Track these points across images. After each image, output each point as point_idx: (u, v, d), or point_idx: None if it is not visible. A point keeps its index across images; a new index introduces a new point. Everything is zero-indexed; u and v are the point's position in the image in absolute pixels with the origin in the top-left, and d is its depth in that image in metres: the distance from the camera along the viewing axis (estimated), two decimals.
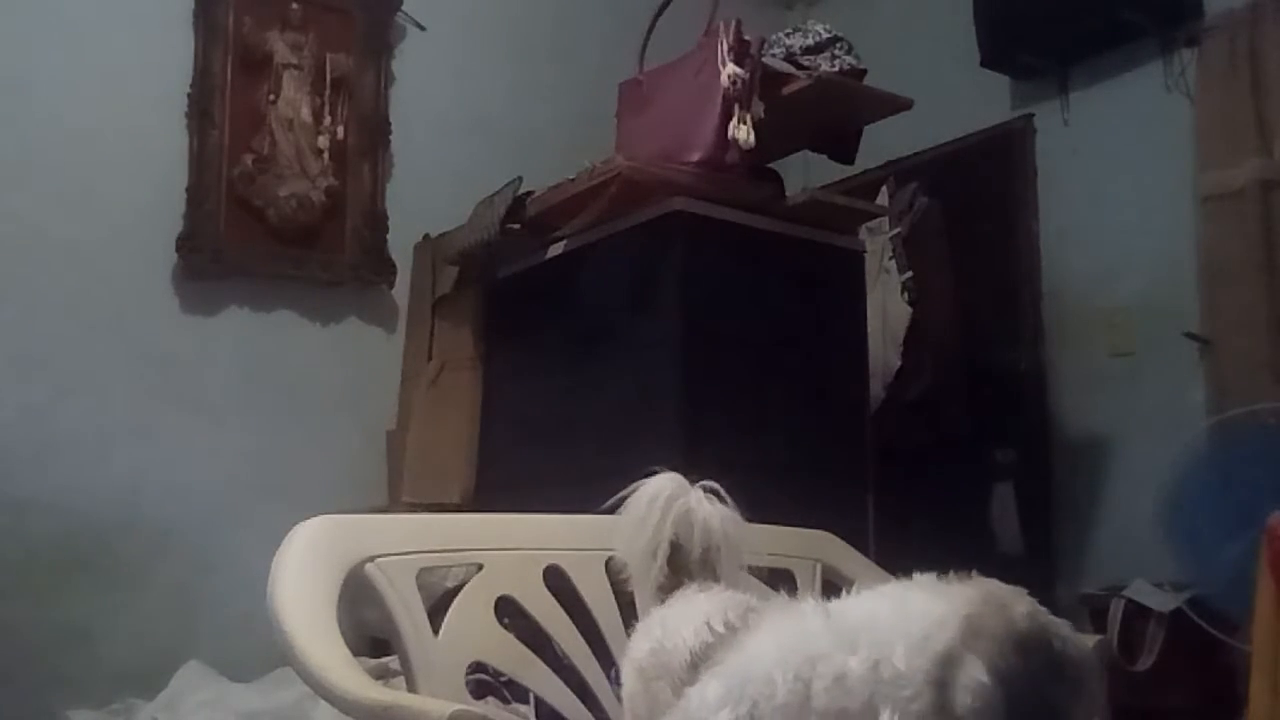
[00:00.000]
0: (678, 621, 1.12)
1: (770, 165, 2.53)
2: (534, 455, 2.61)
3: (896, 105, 2.53)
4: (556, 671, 1.39)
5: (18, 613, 2.48)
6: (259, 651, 2.10)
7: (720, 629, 1.04)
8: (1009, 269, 3.25)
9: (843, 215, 2.59)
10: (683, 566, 1.28)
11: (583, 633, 1.41)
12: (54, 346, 2.63)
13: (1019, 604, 0.85)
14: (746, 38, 2.30)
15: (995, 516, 3.01)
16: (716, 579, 1.28)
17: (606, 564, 1.43)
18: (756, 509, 1.66)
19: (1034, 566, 3.01)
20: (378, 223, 3.07)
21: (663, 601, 1.24)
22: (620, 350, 2.39)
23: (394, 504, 2.84)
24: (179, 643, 2.57)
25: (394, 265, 3.08)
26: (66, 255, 2.67)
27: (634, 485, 1.27)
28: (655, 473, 1.28)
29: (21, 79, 2.67)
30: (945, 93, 3.22)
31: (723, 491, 1.28)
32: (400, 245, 3.09)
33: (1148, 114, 2.99)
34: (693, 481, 1.31)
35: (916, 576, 0.94)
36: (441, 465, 2.82)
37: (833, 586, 1.76)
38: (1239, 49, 2.77)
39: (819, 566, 1.74)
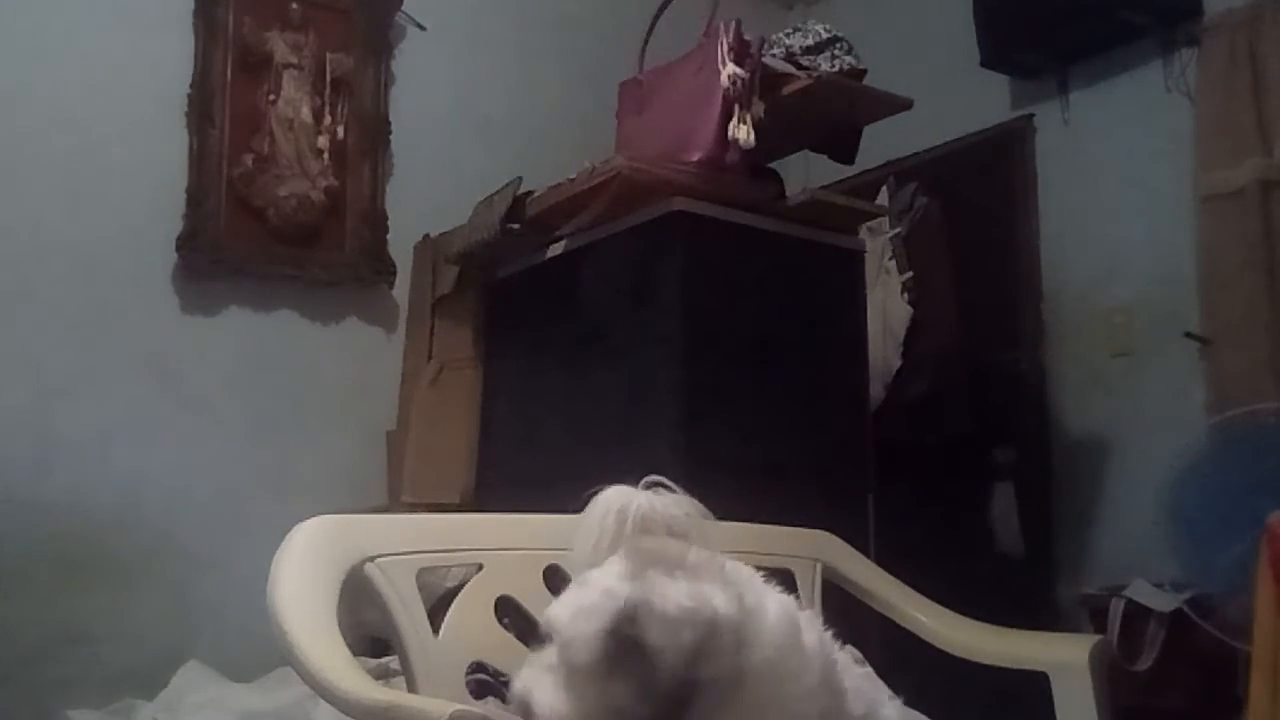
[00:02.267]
0: None
1: (770, 165, 2.53)
2: (534, 455, 2.61)
3: (896, 105, 2.53)
4: None
5: (18, 613, 2.47)
6: (259, 651, 2.09)
7: None
8: (1009, 269, 3.25)
9: (843, 215, 2.59)
10: None
11: None
12: (54, 346, 2.63)
13: None
14: (746, 38, 2.30)
15: (995, 516, 3.01)
16: None
17: None
18: (757, 509, 1.67)
19: (1034, 566, 3.01)
20: (378, 223, 3.07)
21: None
22: (620, 350, 2.39)
23: (394, 504, 2.84)
24: (179, 643, 2.57)
25: (394, 265, 3.08)
26: (66, 255, 2.67)
27: (584, 512, 1.25)
28: (597, 491, 1.26)
29: (21, 79, 2.67)
30: (945, 93, 3.22)
31: (669, 482, 1.26)
32: (400, 245, 3.09)
33: (1148, 114, 2.99)
34: (688, 478, 1.30)
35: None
36: (441, 465, 2.82)
37: (833, 586, 1.77)
38: (1239, 49, 2.77)
39: (819, 566, 1.74)
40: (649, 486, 1.24)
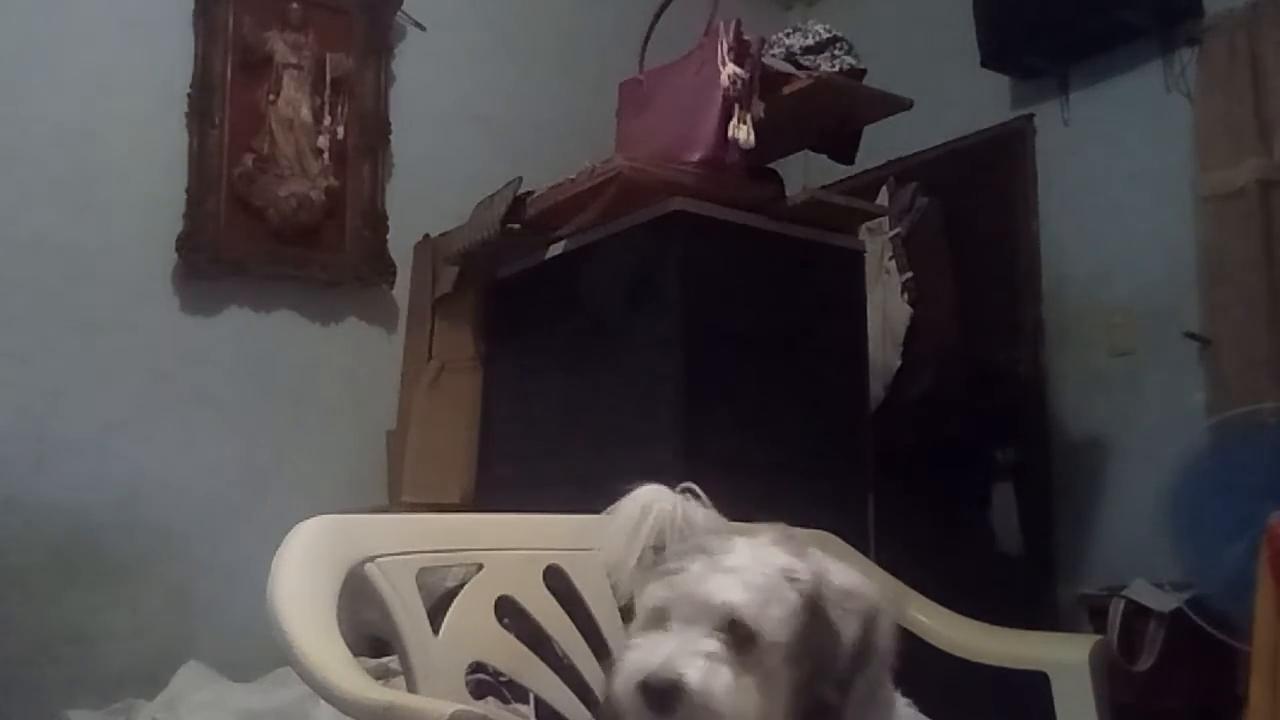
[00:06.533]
0: None
1: (770, 165, 2.53)
2: (534, 455, 2.61)
3: (896, 105, 2.53)
4: (556, 671, 1.38)
5: (18, 613, 2.47)
6: (259, 651, 2.09)
7: None
8: (1009, 269, 3.25)
9: (843, 215, 2.59)
10: None
11: (583, 633, 1.41)
12: (54, 346, 2.63)
13: None
14: (746, 38, 2.30)
15: (995, 516, 3.01)
16: None
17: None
18: (757, 509, 1.67)
19: (1034, 566, 3.01)
20: (378, 223, 3.07)
21: None
22: (620, 350, 2.39)
23: (394, 504, 2.84)
24: (179, 643, 2.57)
25: (394, 265, 3.08)
26: (66, 255, 2.67)
27: (617, 504, 1.26)
28: (636, 485, 1.28)
29: (21, 79, 2.67)
30: (945, 93, 3.22)
31: (699, 490, 1.27)
32: (400, 245, 3.09)
33: (1148, 114, 2.99)
34: (689, 478, 1.30)
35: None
36: (441, 465, 2.82)
37: None
38: (1239, 49, 2.77)
39: None
40: (681, 491, 1.25)
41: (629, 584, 1.26)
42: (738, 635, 0.98)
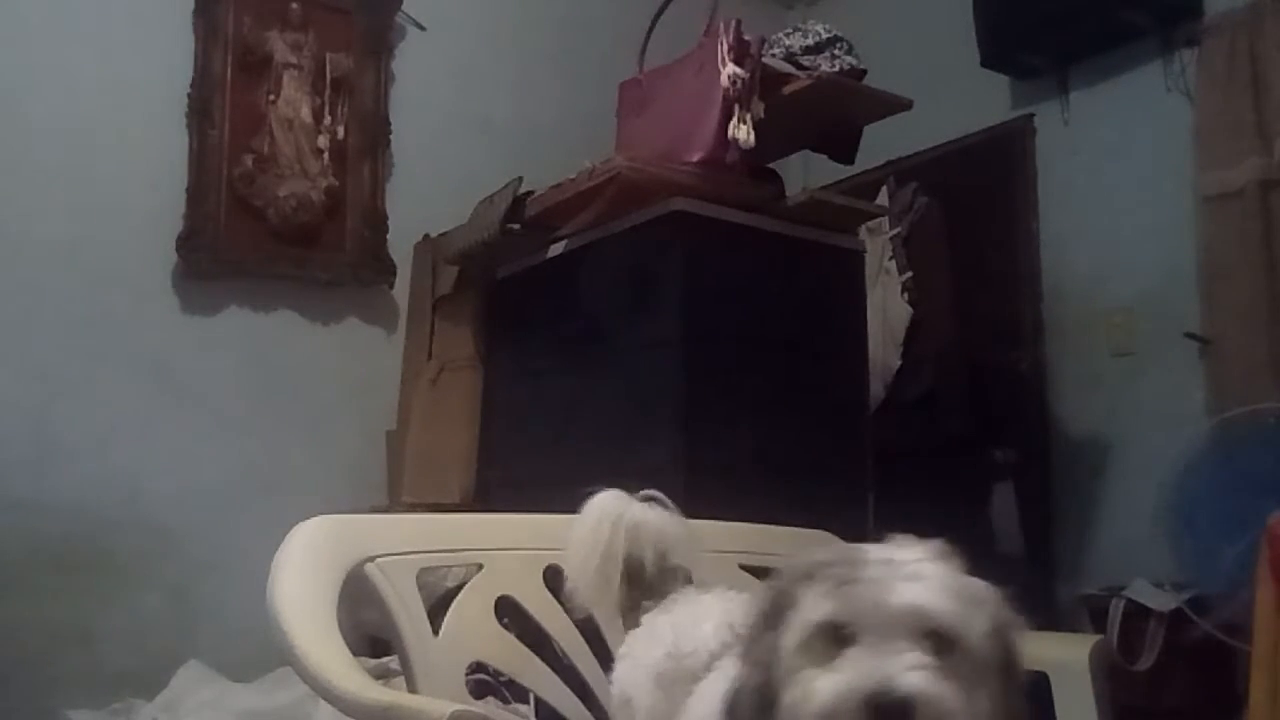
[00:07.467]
0: (690, 624, 1.11)
1: (770, 165, 2.53)
2: (534, 455, 2.61)
3: (896, 105, 2.53)
4: (556, 671, 1.39)
5: (18, 613, 2.47)
6: (259, 651, 2.10)
7: (741, 630, 1.00)
8: (1009, 269, 3.25)
9: (843, 215, 2.59)
10: (639, 580, 1.26)
11: (583, 633, 1.41)
12: (54, 346, 2.63)
13: None
14: (746, 38, 2.30)
15: (995, 516, 3.01)
16: (678, 585, 1.25)
17: None
18: (756, 509, 1.67)
19: (1034, 566, 3.01)
20: (378, 223, 3.07)
21: (629, 619, 1.24)
22: (620, 350, 2.39)
23: (394, 504, 2.84)
24: (179, 643, 2.57)
25: (394, 265, 3.08)
26: (66, 255, 2.67)
27: (576, 517, 1.23)
28: (593, 493, 1.25)
29: (21, 79, 2.67)
30: (945, 93, 3.22)
31: (663, 497, 1.26)
32: (400, 245, 3.09)
33: (1148, 114, 2.99)
34: (688, 478, 1.30)
35: None
36: (441, 465, 2.82)
37: None
38: (1239, 49, 2.77)
39: None
40: (645, 499, 1.24)
41: (599, 598, 1.25)
42: (940, 646, 0.85)
